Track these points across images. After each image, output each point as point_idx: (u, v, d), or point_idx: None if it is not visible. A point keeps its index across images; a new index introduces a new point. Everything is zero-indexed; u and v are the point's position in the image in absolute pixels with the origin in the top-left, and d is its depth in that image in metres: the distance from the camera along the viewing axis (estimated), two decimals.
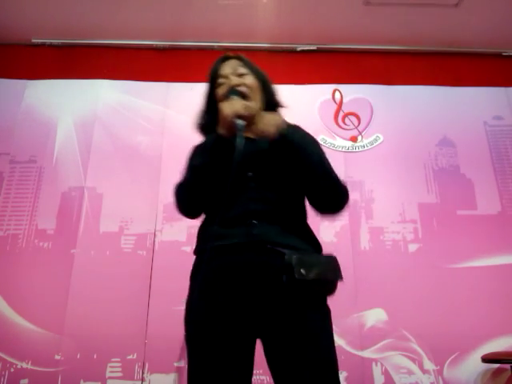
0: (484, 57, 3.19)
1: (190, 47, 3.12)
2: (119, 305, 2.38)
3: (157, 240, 2.55)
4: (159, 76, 3.00)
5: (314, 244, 1.08)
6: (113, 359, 2.28)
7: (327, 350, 0.96)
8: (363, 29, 2.99)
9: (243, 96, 1.10)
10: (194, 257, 1.12)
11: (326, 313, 1.01)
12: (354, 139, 2.88)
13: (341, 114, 2.96)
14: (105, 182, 2.69)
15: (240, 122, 1.01)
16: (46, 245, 2.52)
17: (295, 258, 0.96)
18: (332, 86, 3.00)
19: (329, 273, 0.99)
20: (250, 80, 1.16)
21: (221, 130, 1.04)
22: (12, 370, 2.25)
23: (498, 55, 3.20)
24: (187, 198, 1.11)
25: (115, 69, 3.03)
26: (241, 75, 1.17)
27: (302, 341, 0.93)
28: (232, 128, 1.01)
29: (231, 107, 1.03)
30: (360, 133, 2.90)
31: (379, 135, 2.89)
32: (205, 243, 1.06)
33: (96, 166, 2.73)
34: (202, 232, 1.14)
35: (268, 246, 0.99)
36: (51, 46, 3.09)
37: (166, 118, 2.87)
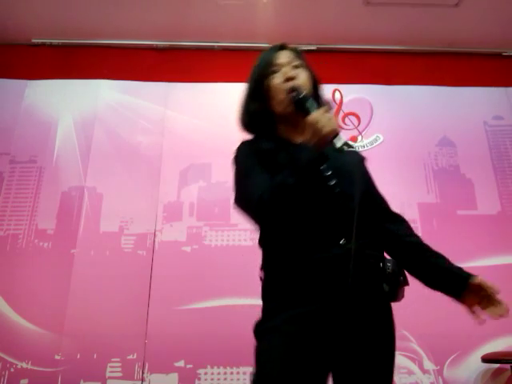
0: (484, 57, 3.19)
1: (190, 47, 3.12)
2: (119, 305, 2.38)
3: (157, 240, 2.55)
4: (159, 76, 3.00)
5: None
6: (113, 359, 2.28)
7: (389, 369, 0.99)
8: (363, 29, 2.99)
9: (313, 98, 1.04)
10: (274, 271, 1.02)
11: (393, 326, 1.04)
12: (354, 139, 2.88)
13: (341, 114, 2.96)
14: (105, 182, 2.69)
15: (339, 142, 0.95)
16: (46, 245, 2.52)
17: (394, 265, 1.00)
18: (332, 86, 3.00)
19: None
20: (304, 74, 1.12)
21: (312, 143, 0.94)
22: (12, 370, 2.25)
23: (498, 55, 3.20)
24: (277, 211, 0.97)
25: (115, 69, 3.03)
26: (296, 67, 1.12)
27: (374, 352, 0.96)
28: (325, 145, 0.94)
29: (330, 124, 0.93)
30: (360, 133, 2.91)
31: (379, 135, 2.89)
32: (297, 255, 0.97)
33: (96, 166, 2.73)
34: (289, 244, 1.01)
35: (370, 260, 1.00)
36: (51, 45, 3.09)
37: (166, 118, 2.87)
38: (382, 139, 2.88)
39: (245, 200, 1.03)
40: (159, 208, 2.62)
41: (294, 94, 1.04)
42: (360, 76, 3.08)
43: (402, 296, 1.03)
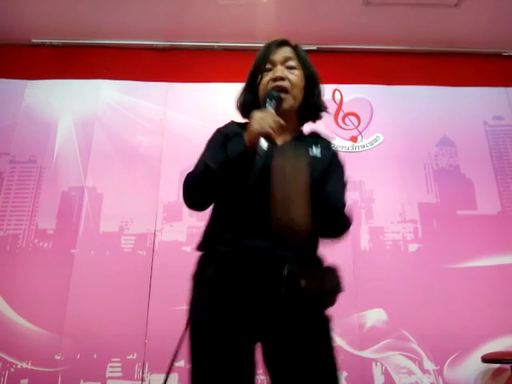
0: (484, 57, 3.19)
1: (190, 47, 3.12)
2: (119, 305, 2.38)
3: (157, 240, 2.55)
4: (159, 76, 3.00)
5: (317, 255, 1.08)
6: (113, 359, 2.28)
7: (325, 357, 0.97)
8: (363, 29, 2.99)
9: (280, 96, 1.07)
10: (198, 254, 1.11)
11: (325, 321, 1.01)
12: (354, 139, 2.88)
13: (341, 114, 2.96)
14: (105, 182, 2.69)
15: (264, 144, 0.96)
16: (46, 245, 2.52)
17: (296, 269, 0.96)
18: (332, 86, 3.00)
19: (328, 284, 0.99)
20: (295, 76, 1.12)
21: (246, 139, 1.00)
22: (12, 370, 2.25)
23: (498, 55, 3.20)
24: (196, 192, 1.07)
25: (115, 69, 3.03)
26: (289, 68, 1.12)
27: (298, 348, 0.95)
28: (252, 141, 0.98)
29: (260, 123, 0.97)
30: (360, 133, 2.90)
31: (379, 135, 2.89)
32: (214, 244, 1.03)
33: (96, 166, 2.73)
34: (212, 232, 1.08)
35: (274, 256, 0.99)
36: (51, 45, 3.09)
37: (166, 118, 2.87)
38: (381, 139, 2.88)
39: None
40: (159, 208, 2.62)
41: (267, 91, 1.09)
42: (360, 76, 3.08)
43: (320, 300, 1.00)
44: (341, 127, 2.91)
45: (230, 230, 1.00)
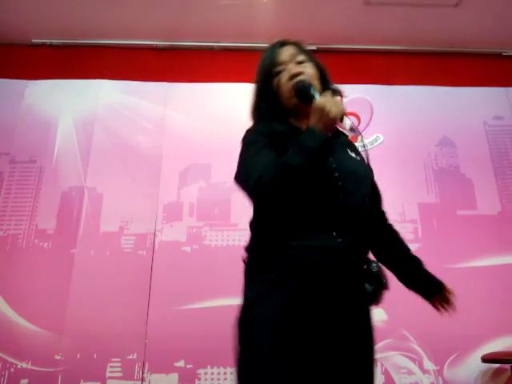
0: (484, 57, 3.19)
1: (190, 47, 3.12)
2: (119, 305, 2.38)
3: (157, 240, 2.55)
4: (159, 76, 3.00)
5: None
6: (113, 359, 2.28)
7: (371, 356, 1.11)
8: (363, 29, 2.99)
9: (312, 85, 1.05)
10: (260, 253, 1.01)
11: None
12: (354, 139, 2.87)
13: None
14: (105, 182, 2.69)
15: (348, 123, 0.98)
16: (46, 245, 2.52)
17: (379, 267, 1.02)
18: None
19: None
20: (309, 68, 1.11)
21: (319, 127, 0.94)
22: (12, 370, 2.25)
23: (498, 55, 3.20)
24: (283, 194, 0.95)
25: (115, 69, 3.03)
26: (300, 63, 1.11)
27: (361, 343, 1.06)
28: (333, 128, 0.97)
29: (337, 107, 0.94)
30: (360, 133, 2.90)
31: (379, 135, 2.89)
32: (292, 240, 0.97)
33: (96, 166, 2.73)
34: (283, 227, 0.99)
35: (354, 253, 1.01)
36: (51, 45, 3.09)
37: (166, 118, 2.87)
38: (381, 139, 2.88)
39: (245, 177, 1.01)
40: (159, 208, 2.62)
41: (297, 86, 1.06)
42: (360, 76, 3.08)
43: (382, 299, 1.07)
44: (341, 126, 2.91)
45: (308, 225, 0.98)
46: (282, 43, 1.15)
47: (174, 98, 2.94)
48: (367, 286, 0.99)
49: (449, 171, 2.82)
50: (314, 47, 3.04)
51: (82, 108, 2.89)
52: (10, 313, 2.36)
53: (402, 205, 2.68)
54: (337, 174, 1.03)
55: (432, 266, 2.74)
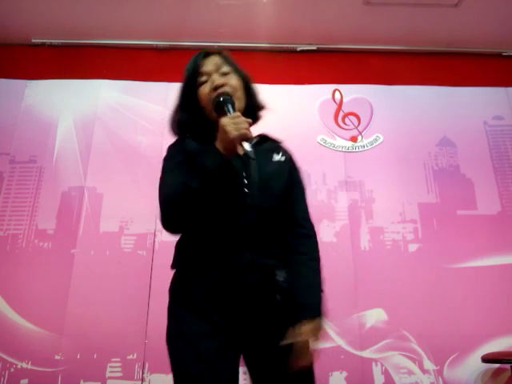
0: (484, 57, 3.19)
1: (190, 47, 3.11)
2: (119, 305, 2.38)
3: (157, 240, 2.55)
4: (159, 76, 3.00)
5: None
6: (113, 359, 2.28)
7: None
8: (363, 29, 2.99)
9: (232, 99, 1.03)
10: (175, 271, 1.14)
11: None
12: (354, 139, 2.88)
13: (341, 114, 2.96)
14: (105, 182, 2.69)
15: (248, 147, 0.94)
16: (46, 245, 2.52)
17: (286, 276, 1.00)
18: (332, 86, 3.00)
19: None
20: (234, 80, 1.10)
21: (221, 148, 0.95)
22: (12, 370, 2.25)
23: (498, 55, 3.20)
24: (181, 216, 1.03)
25: (115, 69, 3.03)
26: (224, 74, 1.10)
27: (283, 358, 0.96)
28: (235, 149, 0.95)
29: (237, 128, 0.92)
30: (360, 133, 2.90)
31: (379, 135, 2.89)
32: (197, 260, 1.05)
33: (96, 166, 2.73)
34: (192, 248, 1.09)
35: (259, 265, 1.00)
36: (51, 46, 3.09)
37: (166, 118, 2.85)
38: (381, 139, 2.88)
39: (158, 195, 1.07)
40: (159, 208, 2.61)
41: (214, 100, 1.04)
42: (360, 76, 3.08)
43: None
44: (341, 127, 2.91)
45: (212, 245, 1.01)
46: (207, 53, 1.14)
47: (174, 98, 2.92)
48: (277, 297, 0.99)
49: (449, 171, 2.82)
50: (314, 47, 3.05)
51: (82, 108, 2.89)
52: (9, 313, 2.36)
53: (402, 205, 2.69)
54: (246, 191, 1.02)
55: (432, 265, 2.75)
